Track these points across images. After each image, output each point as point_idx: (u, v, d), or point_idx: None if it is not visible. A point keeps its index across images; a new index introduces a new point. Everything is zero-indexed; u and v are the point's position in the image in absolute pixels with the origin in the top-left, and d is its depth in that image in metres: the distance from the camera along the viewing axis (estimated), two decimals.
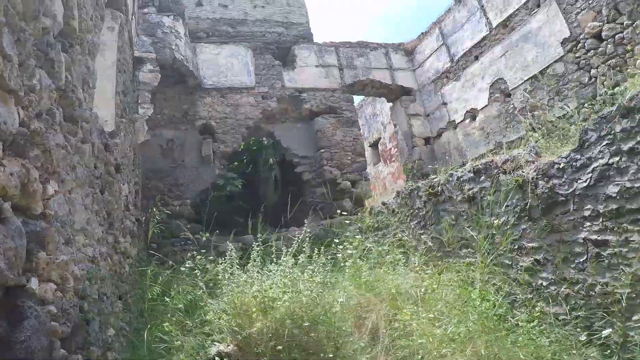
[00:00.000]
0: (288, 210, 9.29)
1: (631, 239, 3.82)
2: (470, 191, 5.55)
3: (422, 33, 14.26)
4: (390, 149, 16.13)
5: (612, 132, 3.97)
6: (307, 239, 5.42)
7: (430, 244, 6.13)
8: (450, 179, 5.91)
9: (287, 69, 12.89)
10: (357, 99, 16.87)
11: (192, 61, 11.51)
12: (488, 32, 11.80)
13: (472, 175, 5.56)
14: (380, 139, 17.19)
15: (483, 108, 12.06)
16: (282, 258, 5.23)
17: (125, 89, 8.27)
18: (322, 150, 12.21)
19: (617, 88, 7.73)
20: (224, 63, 12.40)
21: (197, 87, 11.93)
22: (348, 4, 62.10)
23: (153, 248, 9.64)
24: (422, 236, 6.43)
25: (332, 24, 62.81)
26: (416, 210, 6.66)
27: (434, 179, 6.34)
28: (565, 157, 4.47)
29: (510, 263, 4.97)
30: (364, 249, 6.51)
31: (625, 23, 8.79)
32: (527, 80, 10.74)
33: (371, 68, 13.87)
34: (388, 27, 59.99)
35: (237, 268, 5.15)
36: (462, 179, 5.71)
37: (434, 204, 6.24)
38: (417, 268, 5.90)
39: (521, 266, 4.80)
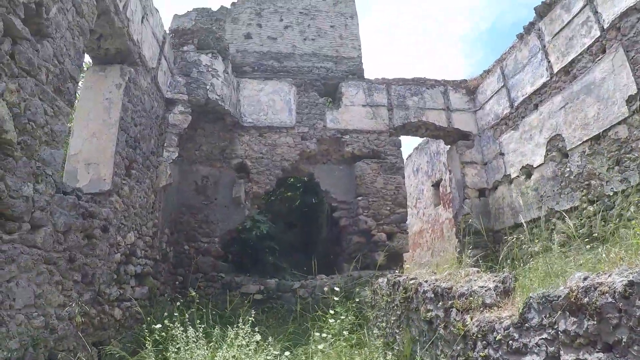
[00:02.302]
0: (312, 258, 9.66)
1: None
2: (429, 313, 5.30)
3: (485, 71, 13.94)
4: (450, 192, 15.79)
5: (555, 326, 3.11)
6: None
7: (400, 348, 6.01)
8: (419, 289, 5.70)
9: (330, 109, 13.15)
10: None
11: (230, 99, 12.12)
12: (549, 78, 11.30)
13: (432, 296, 5.31)
14: (441, 180, 16.87)
15: (539, 166, 11.57)
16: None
17: (142, 137, 9.22)
18: (360, 198, 12.41)
19: None
20: (266, 100, 12.96)
21: (236, 124, 12.66)
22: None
23: (179, 282, 10.87)
24: (396, 336, 6.31)
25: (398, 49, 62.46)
26: (395, 307, 6.54)
27: (411, 279, 6.18)
28: (505, 329, 3.66)
29: None
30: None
31: None
32: (586, 141, 10.07)
33: (425, 108, 13.74)
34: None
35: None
36: (426, 295, 5.49)
37: (406, 309, 6.07)
38: None
39: None
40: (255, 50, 14.02)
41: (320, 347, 6.04)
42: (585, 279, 2.98)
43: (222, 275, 11.34)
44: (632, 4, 8.77)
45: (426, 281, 5.64)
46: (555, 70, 11.11)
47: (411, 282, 6.12)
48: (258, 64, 13.80)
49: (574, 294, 2.94)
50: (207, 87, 11.55)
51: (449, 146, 14.72)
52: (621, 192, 9.04)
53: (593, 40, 9.99)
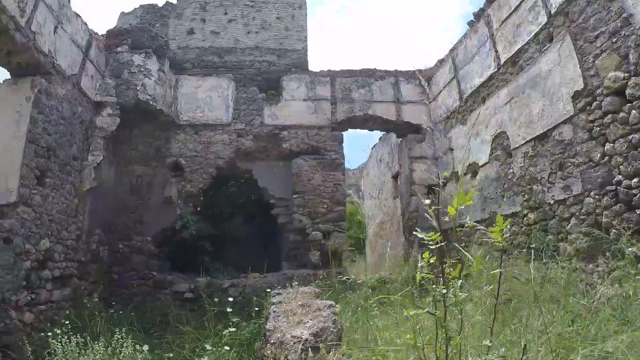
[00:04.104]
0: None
1: None
2: (262, 351, 4.53)
3: (439, 60, 12.30)
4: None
5: None
6: None
7: None
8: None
9: (269, 104, 11.48)
10: None
11: (164, 98, 11.55)
12: (496, 70, 9.77)
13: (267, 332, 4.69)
14: (399, 173, 14.43)
15: (484, 165, 10.11)
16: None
17: (60, 145, 8.71)
18: (296, 196, 11.87)
19: None
20: (203, 97, 12.15)
21: (172, 123, 12.37)
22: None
23: (112, 280, 10.21)
24: None
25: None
26: None
27: (273, 303, 5.61)
28: None
29: None
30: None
31: None
32: (529, 140, 8.49)
33: (372, 101, 12.27)
34: None
35: None
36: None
37: None
38: None
39: None
40: (196, 45, 12.73)
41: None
42: None
43: (153, 273, 10.76)
44: None
45: (275, 311, 4.66)
46: (502, 60, 9.69)
47: (271, 306, 5.14)
48: (199, 60, 12.70)
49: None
50: (138, 87, 11.00)
51: (400, 139, 12.34)
52: (562, 202, 6.74)
53: (540, 27, 8.42)
